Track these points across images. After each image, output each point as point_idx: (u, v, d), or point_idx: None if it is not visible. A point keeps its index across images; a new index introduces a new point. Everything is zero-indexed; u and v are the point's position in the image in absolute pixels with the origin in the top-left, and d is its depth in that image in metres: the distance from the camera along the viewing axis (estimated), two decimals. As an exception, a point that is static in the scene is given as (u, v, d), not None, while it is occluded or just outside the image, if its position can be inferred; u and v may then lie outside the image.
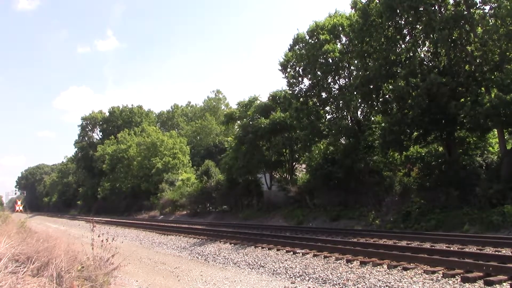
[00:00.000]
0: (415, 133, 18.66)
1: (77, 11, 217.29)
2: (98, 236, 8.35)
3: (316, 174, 24.39)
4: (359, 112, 24.65)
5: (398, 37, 19.27)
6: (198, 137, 64.30)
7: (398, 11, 18.32)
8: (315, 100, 25.26)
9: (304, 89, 25.58)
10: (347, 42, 23.83)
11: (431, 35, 17.97)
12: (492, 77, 16.25)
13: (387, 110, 20.06)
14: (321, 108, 25.39)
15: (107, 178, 61.85)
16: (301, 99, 25.28)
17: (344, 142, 24.49)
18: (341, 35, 24.23)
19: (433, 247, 11.19)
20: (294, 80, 25.76)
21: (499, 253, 9.92)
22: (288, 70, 26.05)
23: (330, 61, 23.51)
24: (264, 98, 33.67)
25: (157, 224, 31.22)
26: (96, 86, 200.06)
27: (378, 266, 9.53)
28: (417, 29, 18.76)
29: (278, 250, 13.20)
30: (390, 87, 19.47)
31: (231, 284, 9.73)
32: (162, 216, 42.04)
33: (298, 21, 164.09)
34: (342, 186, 22.63)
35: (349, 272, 9.46)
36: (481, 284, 7.41)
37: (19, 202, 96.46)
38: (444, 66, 18.01)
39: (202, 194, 36.28)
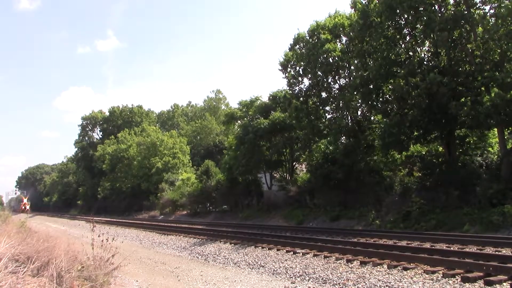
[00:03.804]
0: (415, 133, 18.66)
1: (77, 11, 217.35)
2: (98, 236, 8.36)
3: (316, 174, 24.38)
4: (359, 112, 24.66)
5: (398, 36, 19.25)
6: (198, 137, 64.27)
7: (398, 11, 18.31)
8: (315, 99, 25.26)
9: (304, 89, 25.60)
10: (348, 42, 23.83)
11: (431, 35, 17.96)
12: (492, 76, 16.24)
13: (387, 110, 20.05)
14: (321, 107, 25.40)
15: (107, 178, 61.86)
16: (301, 98, 25.28)
17: (344, 142, 24.50)
18: (342, 35, 24.23)
19: (433, 247, 11.19)
20: (294, 80, 25.77)
21: (499, 253, 9.91)
22: (288, 69, 26.06)
23: (331, 60, 23.52)
24: (264, 98, 33.75)
25: (157, 224, 31.24)
26: (96, 86, 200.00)
27: (378, 266, 9.53)
28: (417, 29, 18.74)
29: (278, 250, 13.20)
30: (390, 87, 19.46)
31: (231, 284, 9.73)
32: (162, 216, 42.05)
33: (298, 21, 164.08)
34: (342, 186, 22.61)
35: (349, 272, 9.46)
36: (481, 284, 7.41)
37: (25, 200, 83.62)
38: (444, 66, 18.00)
39: (202, 194, 36.28)
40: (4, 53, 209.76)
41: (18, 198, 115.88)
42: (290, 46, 26.17)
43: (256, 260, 12.34)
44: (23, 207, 78.89)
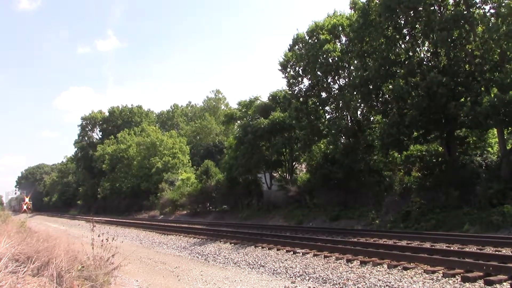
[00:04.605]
0: (415, 133, 18.67)
1: (77, 11, 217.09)
2: (98, 236, 8.34)
3: (316, 174, 24.39)
4: (358, 112, 24.66)
5: (398, 36, 19.25)
6: (198, 137, 64.31)
7: (397, 11, 18.28)
8: (315, 99, 25.25)
9: (304, 89, 25.57)
10: (347, 42, 23.82)
11: (430, 35, 17.95)
12: (492, 76, 16.24)
13: (386, 110, 20.05)
14: (320, 107, 25.39)
15: (107, 178, 61.85)
16: (301, 99, 25.27)
17: (344, 142, 24.50)
18: (341, 35, 24.22)
19: (433, 247, 11.19)
20: (294, 80, 25.75)
21: (499, 252, 9.92)
22: (288, 70, 26.04)
23: (330, 61, 23.49)
24: (264, 98, 33.75)
25: (157, 223, 31.23)
26: (96, 86, 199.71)
27: (378, 266, 9.53)
28: (416, 29, 18.74)
29: (278, 250, 13.20)
30: (389, 87, 19.46)
31: (231, 283, 9.73)
32: (162, 216, 42.04)
33: (298, 21, 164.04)
34: (342, 186, 22.62)
35: (349, 271, 9.46)
36: (481, 283, 7.41)
37: (27, 200, 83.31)
38: (444, 66, 18.00)
39: (202, 194, 36.28)
40: (4, 53, 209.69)
41: (19, 197, 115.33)
42: (289, 47, 26.16)
43: (256, 260, 12.34)
44: (25, 207, 78.60)
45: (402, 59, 19.02)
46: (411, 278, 8.31)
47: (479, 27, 16.88)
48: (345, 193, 22.63)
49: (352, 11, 22.70)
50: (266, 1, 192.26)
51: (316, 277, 9.55)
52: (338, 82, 24.68)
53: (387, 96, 20.27)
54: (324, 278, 9.32)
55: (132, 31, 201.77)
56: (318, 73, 24.07)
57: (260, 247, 13.97)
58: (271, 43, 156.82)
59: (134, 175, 54.74)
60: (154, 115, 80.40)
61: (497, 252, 9.99)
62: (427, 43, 19.18)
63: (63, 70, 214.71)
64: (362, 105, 23.56)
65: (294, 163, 31.84)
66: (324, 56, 23.26)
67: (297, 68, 25.65)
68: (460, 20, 16.82)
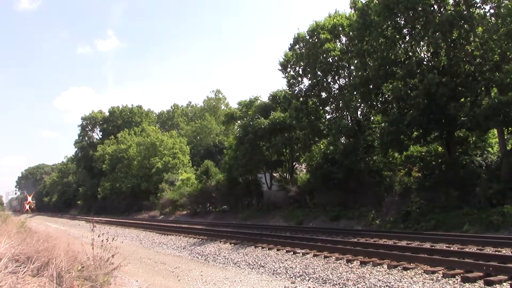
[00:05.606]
0: (415, 133, 18.66)
1: (77, 11, 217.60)
2: (98, 236, 8.34)
3: (316, 174, 24.37)
4: (359, 112, 24.66)
5: (398, 36, 19.23)
6: (198, 137, 64.28)
7: (396, 11, 18.26)
8: (315, 100, 25.24)
9: (304, 89, 25.57)
10: (347, 42, 23.82)
11: (430, 35, 17.93)
12: (492, 76, 16.23)
13: (386, 110, 20.04)
14: (321, 108, 25.38)
15: (107, 178, 61.82)
16: (301, 99, 25.27)
17: (344, 142, 24.48)
18: (341, 35, 24.22)
19: (433, 247, 11.19)
20: (294, 80, 25.75)
21: (499, 253, 9.92)
22: (288, 70, 26.04)
23: (330, 60, 23.49)
24: (264, 98, 33.75)
25: (157, 224, 31.23)
26: (96, 86, 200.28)
27: (378, 266, 9.53)
28: (416, 29, 18.71)
29: (278, 250, 13.20)
30: (389, 87, 19.45)
31: (231, 284, 9.73)
32: (162, 216, 42.02)
33: (298, 21, 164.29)
34: (342, 186, 22.61)
35: (349, 272, 9.46)
36: (481, 284, 7.41)
37: (29, 199, 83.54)
38: (443, 66, 17.98)
39: (202, 194, 36.25)
40: (4, 53, 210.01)
41: (19, 197, 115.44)
42: (290, 46, 26.16)
43: (256, 260, 12.34)
44: (28, 206, 77.94)
45: (402, 59, 19.00)
46: (411, 278, 8.31)
47: (479, 27, 16.86)
48: (345, 193, 22.61)
49: (352, 11, 22.70)
50: (266, 1, 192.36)
51: (316, 277, 9.55)
52: (338, 82, 24.68)
53: (387, 96, 20.26)
54: (324, 279, 9.32)
55: (132, 31, 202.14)
56: (318, 73, 24.07)
57: (260, 247, 13.97)
58: (271, 43, 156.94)
59: (134, 175, 54.70)
60: (154, 115, 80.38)
61: (497, 253, 9.99)
62: (426, 43, 19.15)
63: (63, 70, 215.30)
64: (362, 105, 23.55)
65: (294, 163, 31.82)
66: (324, 55, 23.26)
67: (297, 68, 25.66)
68: (458, 21, 16.79)
